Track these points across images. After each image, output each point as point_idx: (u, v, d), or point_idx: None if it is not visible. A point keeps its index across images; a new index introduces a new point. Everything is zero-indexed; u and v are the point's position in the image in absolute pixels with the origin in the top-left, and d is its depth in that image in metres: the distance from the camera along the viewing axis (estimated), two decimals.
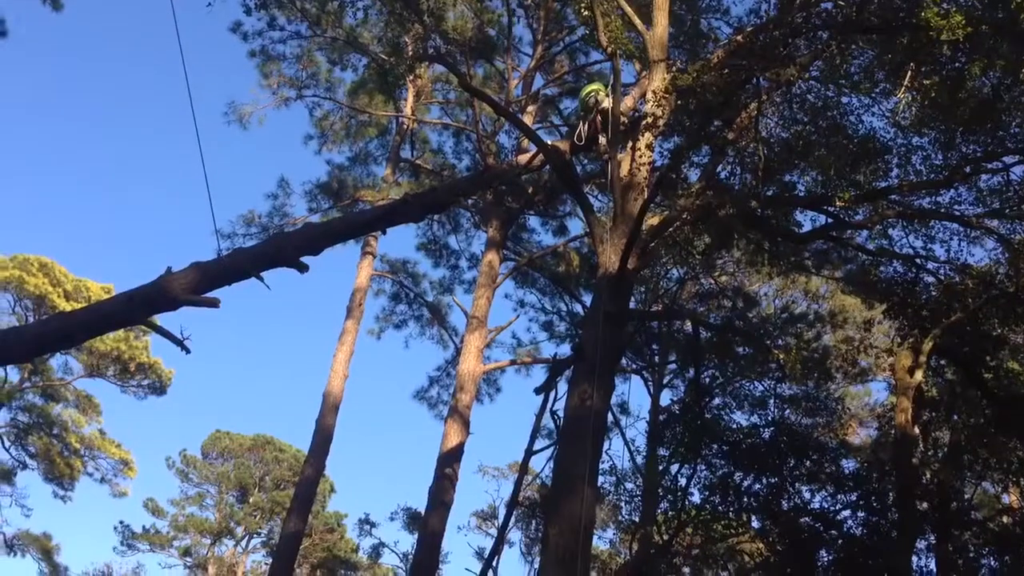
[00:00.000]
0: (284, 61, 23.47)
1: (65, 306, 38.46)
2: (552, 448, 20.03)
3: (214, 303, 8.53)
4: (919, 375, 18.13)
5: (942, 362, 18.88)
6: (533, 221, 24.50)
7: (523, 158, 14.44)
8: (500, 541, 21.26)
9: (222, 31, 23.00)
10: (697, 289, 21.42)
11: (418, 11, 16.53)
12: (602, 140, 12.32)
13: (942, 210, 13.34)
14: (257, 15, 21.12)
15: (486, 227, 22.21)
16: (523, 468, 20.66)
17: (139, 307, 8.20)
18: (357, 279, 23.68)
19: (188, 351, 8.34)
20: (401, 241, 56.55)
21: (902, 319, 16.93)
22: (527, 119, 21.32)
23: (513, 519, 27.68)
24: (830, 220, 13.31)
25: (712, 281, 20.77)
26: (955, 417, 19.46)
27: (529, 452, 23.02)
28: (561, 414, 12.78)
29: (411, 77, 24.68)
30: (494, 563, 21.79)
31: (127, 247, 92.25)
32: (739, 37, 12.53)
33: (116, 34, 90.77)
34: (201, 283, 8.36)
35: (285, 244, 8.95)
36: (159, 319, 8.94)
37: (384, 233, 16.74)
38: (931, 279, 14.80)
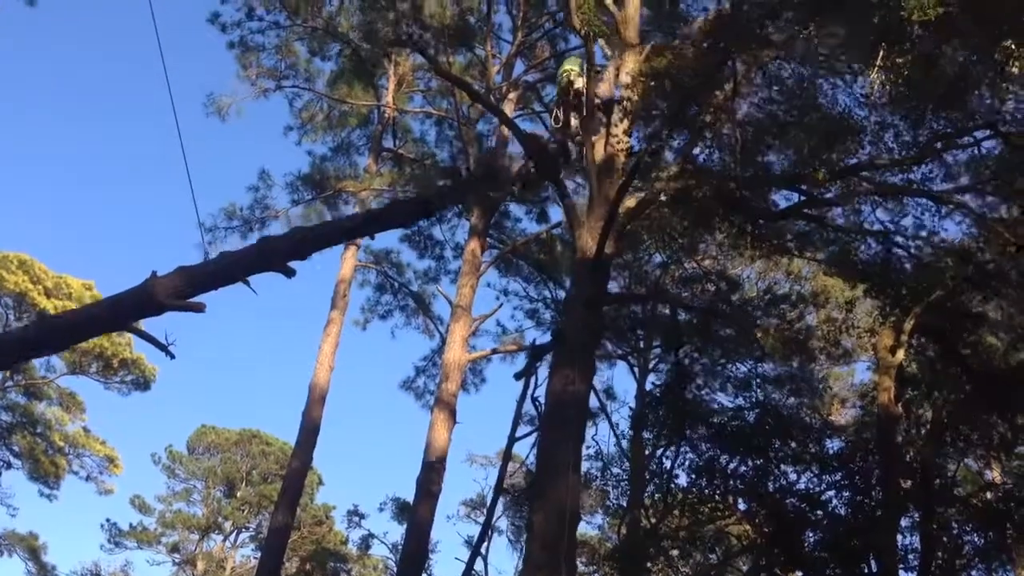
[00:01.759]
0: (263, 52, 23.33)
1: (46, 303, 38.23)
2: (536, 434, 20.13)
3: (199, 308, 8.51)
4: (901, 354, 18.28)
5: (923, 340, 19.00)
6: (516, 209, 24.52)
7: (508, 162, 14.42)
8: (487, 529, 21.29)
9: (200, 22, 22.92)
10: (680, 273, 21.49)
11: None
12: (574, 122, 12.33)
13: (914, 186, 13.42)
14: (235, 5, 21.03)
15: (469, 216, 22.21)
16: (506, 455, 20.67)
17: (124, 313, 8.15)
18: (341, 270, 23.65)
19: (173, 356, 8.33)
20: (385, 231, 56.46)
21: (882, 298, 17.05)
22: (508, 106, 21.31)
23: (500, 507, 27.78)
24: (804, 198, 13.40)
25: (696, 265, 20.84)
26: (936, 395, 19.61)
27: (512, 439, 23.08)
28: (543, 400, 12.81)
29: (390, 65, 24.62)
30: (481, 551, 21.86)
31: (107, 242, 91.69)
32: (713, 16, 12.55)
33: (92, 26, 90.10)
34: (187, 288, 8.31)
35: (272, 248, 8.88)
36: (143, 323, 8.91)
37: (373, 238, 16.73)
38: (909, 258, 14.86)
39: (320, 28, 21.70)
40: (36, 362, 40.23)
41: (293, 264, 8.92)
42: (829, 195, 13.29)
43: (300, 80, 24.40)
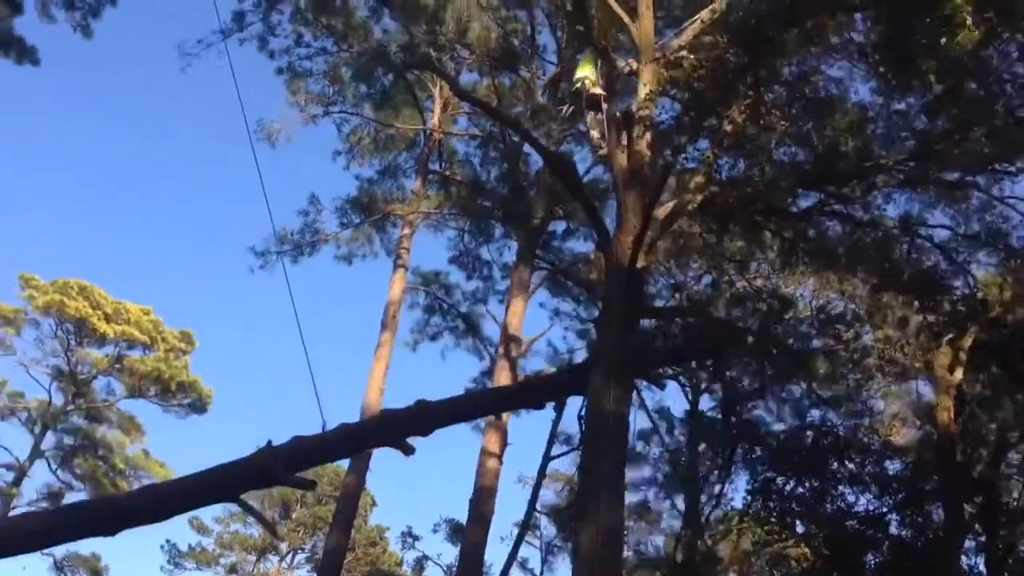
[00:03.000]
0: (311, 77, 23.62)
1: (105, 328, 39.05)
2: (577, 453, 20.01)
3: (310, 486, 8.47)
4: (959, 372, 17.86)
5: (982, 357, 18.50)
6: (563, 228, 24.42)
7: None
8: (516, 548, 21.26)
9: (250, 49, 23.27)
10: (732, 293, 21.20)
11: (438, 22, 16.59)
12: (594, 134, 12.24)
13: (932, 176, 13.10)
14: (283, 32, 21.32)
15: (516, 237, 22.17)
16: (540, 475, 20.57)
17: (234, 483, 8.02)
18: (390, 292, 23.73)
19: (279, 537, 8.20)
20: (433, 252, 56.72)
21: (938, 316, 16.65)
22: (554, 126, 21.29)
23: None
24: (824, 196, 13.19)
25: (747, 284, 20.55)
26: (997, 413, 19.11)
27: (546, 459, 23.00)
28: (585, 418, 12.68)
29: (435, 88, 24.76)
30: (508, 572, 21.78)
31: (164, 266, 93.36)
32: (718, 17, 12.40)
33: (153, 54, 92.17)
34: (303, 459, 8.24)
35: (392, 424, 8.74)
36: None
37: (498, 417, 16.77)
38: (961, 280, 14.46)
39: (367, 53, 21.89)
40: (97, 385, 41.18)
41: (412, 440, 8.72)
42: (850, 191, 13.03)
43: (347, 105, 24.62)
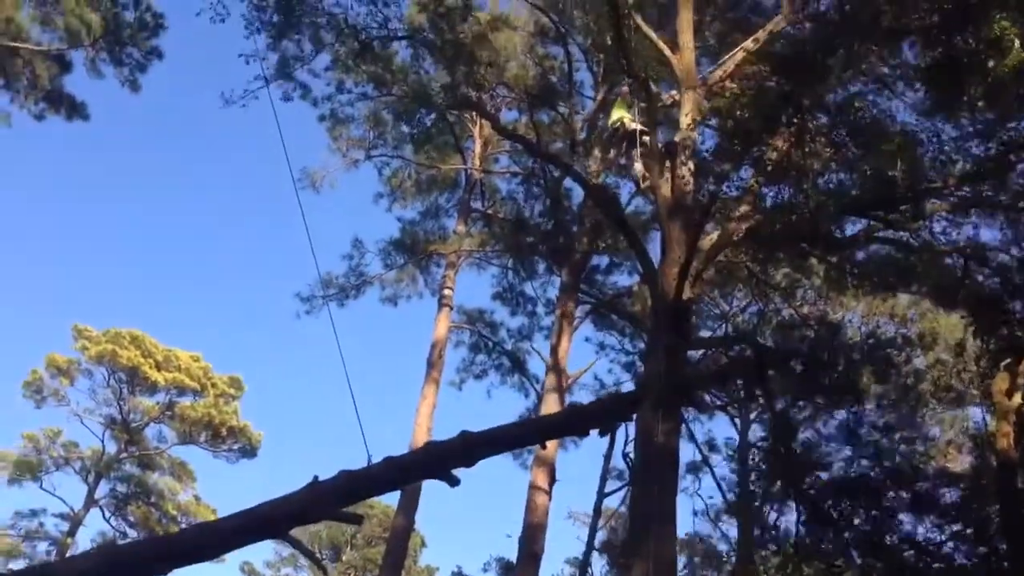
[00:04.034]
0: (352, 123, 23.97)
1: (157, 376, 39.59)
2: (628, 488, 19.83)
3: (357, 520, 8.54)
4: (1018, 397, 17.49)
5: None
6: (607, 262, 24.40)
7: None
8: None
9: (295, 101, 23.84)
10: (778, 321, 21.03)
11: (475, 62, 16.80)
12: (637, 167, 12.26)
13: (986, 199, 12.89)
14: (325, 80, 21.65)
15: (560, 273, 22.18)
16: (596, 512, 20.37)
17: (282, 518, 8.05)
18: (436, 332, 23.81)
19: (325, 573, 8.30)
20: (477, 290, 56.98)
21: (994, 339, 16.33)
22: (593, 162, 21.38)
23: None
24: (873, 223, 13.03)
25: (794, 311, 20.36)
26: None
27: (601, 495, 22.81)
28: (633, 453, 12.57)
29: (475, 127, 25.00)
30: None
31: (214, 313, 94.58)
32: (766, 32, 12.41)
33: (199, 104, 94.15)
34: (350, 493, 8.30)
35: (436, 455, 8.77)
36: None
37: (544, 447, 16.84)
38: (1019, 302, 14.15)
39: (408, 95, 22.19)
40: (149, 433, 41.66)
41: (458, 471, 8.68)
42: (900, 217, 12.87)
43: (389, 148, 24.99)
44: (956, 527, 19.52)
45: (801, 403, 21.56)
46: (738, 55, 12.79)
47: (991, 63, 10.16)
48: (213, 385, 41.39)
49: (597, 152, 21.37)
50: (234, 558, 58.33)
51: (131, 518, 40.68)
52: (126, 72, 23.11)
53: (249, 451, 41.97)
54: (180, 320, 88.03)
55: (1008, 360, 17.30)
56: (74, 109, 23.51)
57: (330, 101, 22.61)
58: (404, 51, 19.94)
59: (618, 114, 12.80)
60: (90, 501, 39.47)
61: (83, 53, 22.79)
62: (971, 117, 11.57)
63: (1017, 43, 9.79)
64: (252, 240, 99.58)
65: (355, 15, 13.92)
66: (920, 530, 19.98)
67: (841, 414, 21.53)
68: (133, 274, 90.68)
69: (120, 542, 37.63)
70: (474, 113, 23.72)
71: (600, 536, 27.01)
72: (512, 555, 19.59)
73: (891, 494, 19.41)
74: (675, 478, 10.39)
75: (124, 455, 40.79)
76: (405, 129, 23.50)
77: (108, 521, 40.39)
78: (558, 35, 21.89)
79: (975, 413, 22.85)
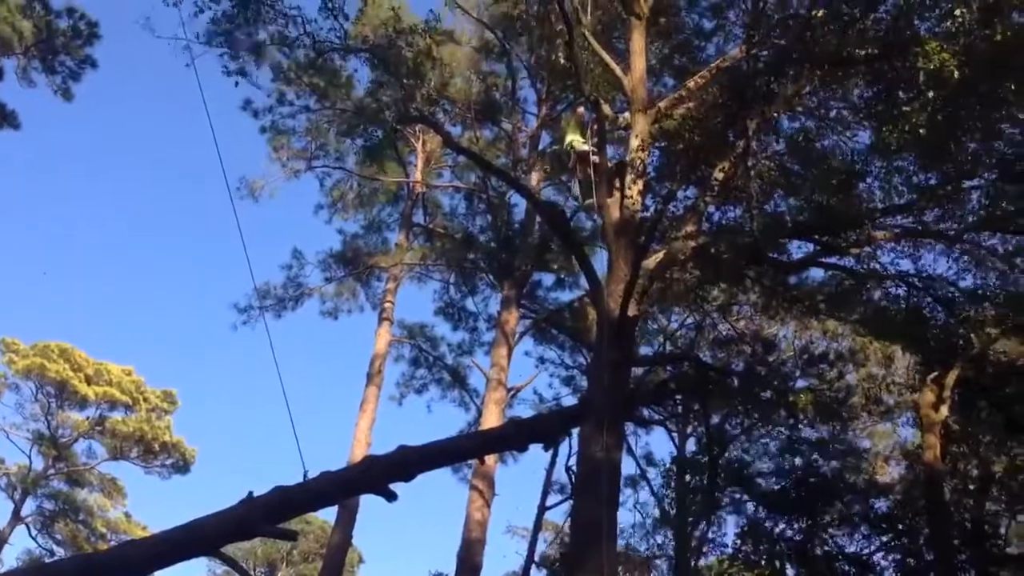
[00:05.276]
0: (293, 135, 23.90)
1: (87, 391, 38.75)
2: (569, 502, 20.01)
3: (291, 536, 8.45)
4: (944, 410, 18.00)
5: (967, 395, 18.69)
6: (548, 278, 24.60)
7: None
8: None
9: (231, 107, 23.59)
10: (715, 336, 21.41)
11: (420, 78, 16.86)
12: (575, 189, 12.46)
13: (926, 229, 13.36)
14: (266, 92, 21.55)
15: (502, 288, 22.32)
16: (537, 525, 20.45)
17: (215, 535, 7.94)
18: (376, 345, 23.70)
19: None
20: (418, 305, 56.73)
21: (921, 354, 16.86)
22: (535, 177, 21.58)
23: None
24: (819, 247, 13.41)
25: (730, 327, 20.75)
26: (983, 451, 19.26)
27: (542, 508, 22.95)
28: (575, 468, 12.71)
29: (418, 142, 25.08)
30: None
31: (146, 326, 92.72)
32: (715, 70, 12.74)
33: (134, 115, 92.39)
34: (285, 509, 8.23)
35: (373, 469, 8.72)
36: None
37: (483, 462, 16.90)
38: (940, 308, 14.66)
39: (349, 110, 22.18)
40: (78, 448, 40.67)
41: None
42: (844, 243, 13.28)
43: (330, 160, 24.94)
44: (885, 538, 20.00)
45: (736, 418, 21.98)
46: (691, 81, 13.08)
47: (931, 94, 10.54)
48: (145, 399, 40.60)
49: (540, 168, 21.61)
50: None
51: (59, 536, 39.66)
52: (59, 80, 22.77)
53: (182, 467, 41.21)
54: (112, 334, 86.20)
55: (935, 374, 17.83)
56: (4, 118, 23.02)
57: (271, 113, 22.60)
58: (349, 65, 19.98)
59: (570, 137, 12.98)
60: (16, 519, 38.38)
61: (14, 61, 22.37)
62: (913, 148, 11.96)
63: (956, 74, 10.17)
64: (187, 251, 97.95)
65: (313, 25, 13.79)
66: (850, 541, 20.48)
67: (775, 428, 22.00)
68: (62, 287, 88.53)
69: (47, 560, 36.71)
70: (418, 127, 23.79)
71: (540, 549, 27.11)
72: (451, 569, 19.57)
73: (821, 506, 19.86)
74: (617, 493, 10.54)
75: (52, 471, 39.77)
76: (349, 143, 23.51)
77: (35, 539, 39.36)
78: (502, 52, 22.11)
79: (904, 427, 23.48)
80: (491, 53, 22.70)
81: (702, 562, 23.43)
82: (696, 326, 21.94)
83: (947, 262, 14.23)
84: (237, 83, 15.49)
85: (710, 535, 22.87)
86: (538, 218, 20.77)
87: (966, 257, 14.22)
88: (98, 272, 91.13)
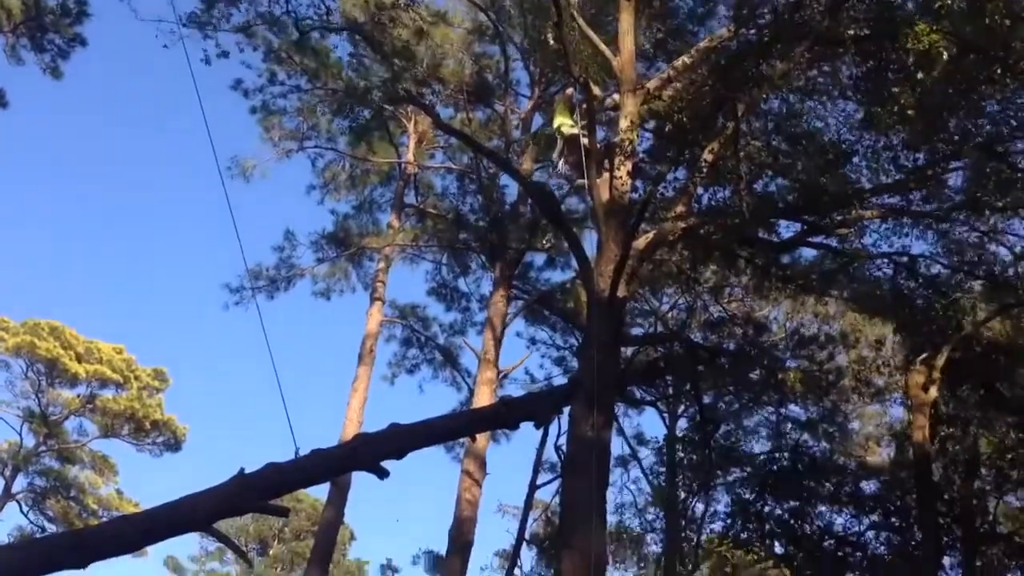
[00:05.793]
0: (285, 115, 23.78)
1: (77, 368, 38.70)
2: (559, 481, 20.14)
3: (284, 512, 8.47)
4: (933, 391, 18.09)
5: (956, 375, 18.80)
6: (540, 259, 24.60)
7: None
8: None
9: (223, 88, 23.41)
10: (706, 318, 21.48)
11: (412, 59, 16.77)
12: (563, 168, 12.49)
13: (913, 208, 13.42)
14: (257, 71, 21.40)
15: (494, 268, 22.32)
16: (527, 504, 20.56)
17: (207, 512, 7.91)
18: (367, 325, 23.72)
19: (250, 564, 8.10)
20: (410, 286, 56.64)
21: (911, 335, 16.95)
22: (527, 159, 21.54)
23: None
24: (807, 227, 13.46)
25: (721, 308, 20.82)
26: (972, 431, 19.40)
27: (532, 487, 23.08)
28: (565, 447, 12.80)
29: (410, 123, 24.98)
30: None
31: (137, 304, 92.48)
32: (707, 44, 12.74)
33: (125, 95, 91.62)
34: (277, 486, 8.23)
35: (365, 447, 8.73)
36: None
37: (474, 440, 16.88)
38: (930, 287, 14.72)
39: (340, 89, 22.05)
40: (69, 426, 40.72)
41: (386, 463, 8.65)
42: (831, 223, 13.32)
43: (322, 140, 24.82)
44: (874, 517, 20.17)
45: (727, 398, 22.09)
46: (678, 61, 13.06)
47: (920, 75, 10.54)
48: (136, 377, 40.58)
49: (532, 150, 21.56)
50: (158, 552, 57.34)
51: (50, 512, 39.77)
52: (47, 59, 22.54)
53: (174, 444, 41.27)
54: (103, 312, 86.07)
55: (924, 355, 17.93)
56: None
57: (262, 93, 22.46)
58: (340, 45, 19.85)
59: (559, 121, 12.98)
60: (7, 495, 38.43)
61: (3, 40, 22.14)
62: (901, 128, 11.98)
63: (945, 55, 10.17)
64: (180, 230, 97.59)
65: (294, 2, 13.69)
66: (839, 520, 20.65)
67: (766, 408, 22.14)
68: (53, 264, 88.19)
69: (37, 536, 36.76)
70: (409, 108, 23.69)
71: (530, 528, 27.28)
72: (442, 547, 19.70)
73: (811, 486, 20.00)
74: (607, 472, 10.62)
75: (43, 448, 39.81)
76: (339, 123, 23.38)
77: (26, 515, 39.45)
78: (495, 34, 22.00)
79: (894, 407, 23.63)
80: (484, 35, 22.59)
81: (693, 540, 23.65)
82: (688, 308, 22.00)
83: (930, 242, 14.33)
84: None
85: (702, 515, 23.07)
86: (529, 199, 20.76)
87: (949, 236, 14.32)
88: (89, 251, 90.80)
